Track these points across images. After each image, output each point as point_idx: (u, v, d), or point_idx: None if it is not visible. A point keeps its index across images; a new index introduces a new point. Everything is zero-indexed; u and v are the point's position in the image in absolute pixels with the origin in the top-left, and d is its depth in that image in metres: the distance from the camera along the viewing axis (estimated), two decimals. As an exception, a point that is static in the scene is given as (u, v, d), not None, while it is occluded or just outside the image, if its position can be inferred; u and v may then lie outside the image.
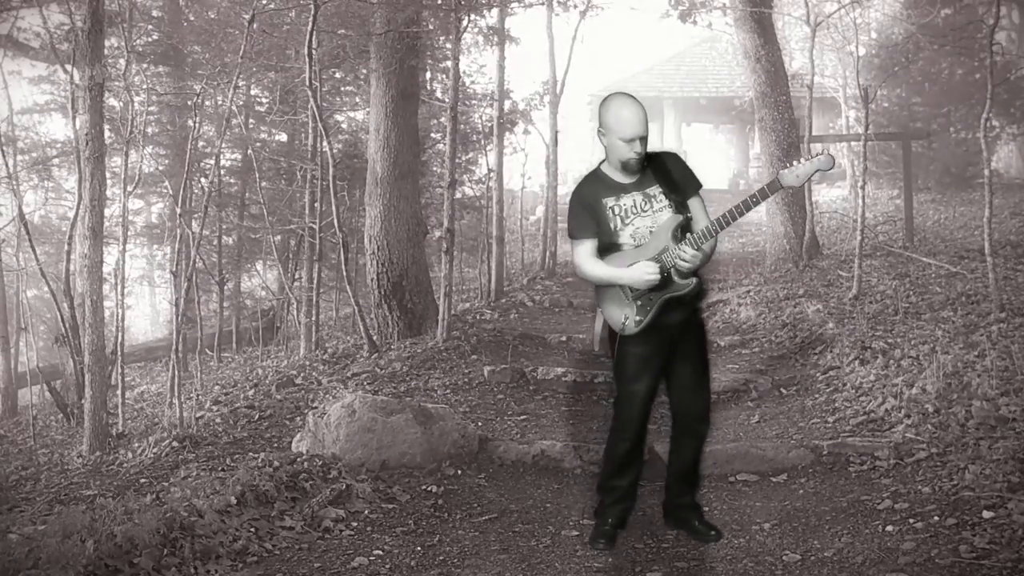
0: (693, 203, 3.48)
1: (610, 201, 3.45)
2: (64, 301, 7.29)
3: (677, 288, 3.42)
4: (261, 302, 13.10)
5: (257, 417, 5.96)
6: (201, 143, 10.43)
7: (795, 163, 3.30)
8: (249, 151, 10.84)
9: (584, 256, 3.50)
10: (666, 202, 3.44)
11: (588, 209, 3.47)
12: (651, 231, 3.43)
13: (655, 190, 3.45)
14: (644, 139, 3.36)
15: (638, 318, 3.45)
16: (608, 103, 3.40)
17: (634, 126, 3.32)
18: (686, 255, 3.34)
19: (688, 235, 3.38)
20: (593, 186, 3.50)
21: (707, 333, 3.71)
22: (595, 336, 3.68)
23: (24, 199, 9.52)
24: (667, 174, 3.47)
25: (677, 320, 3.47)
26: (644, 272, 3.36)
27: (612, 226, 3.45)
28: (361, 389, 6.12)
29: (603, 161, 3.53)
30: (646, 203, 3.45)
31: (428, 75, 11.72)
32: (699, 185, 3.52)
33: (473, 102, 12.07)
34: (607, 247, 3.48)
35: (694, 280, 3.44)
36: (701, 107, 21.58)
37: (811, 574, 3.25)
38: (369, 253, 8.19)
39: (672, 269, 3.39)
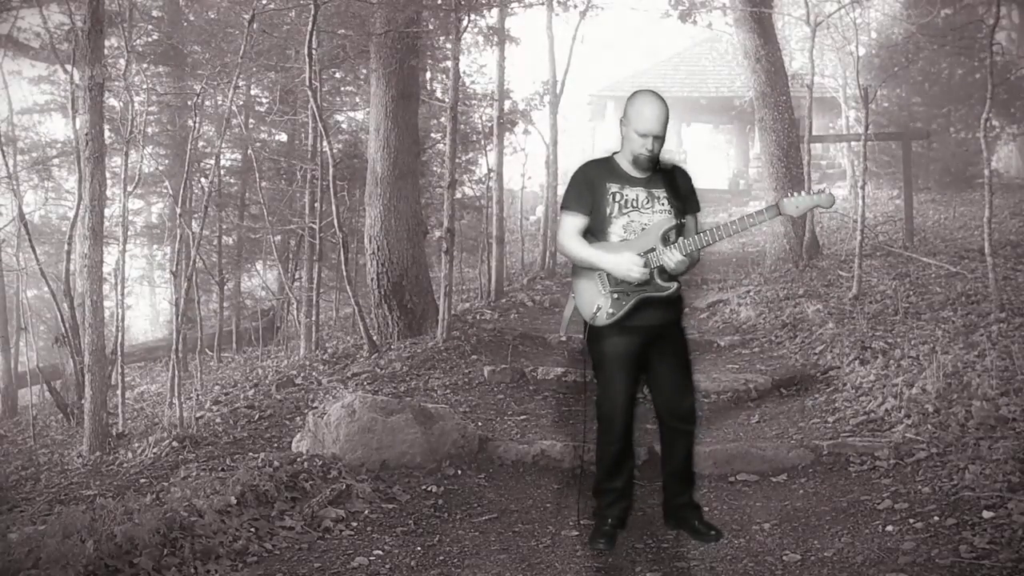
0: (687, 220, 3.53)
1: (614, 187, 3.46)
2: (64, 301, 7.29)
3: (655, 289, 3.44)
4: (261, 302, 13.11)
5: (257, 417, 5.96)
6: (201, 143, 10.44)
7: (797, 194, 3.41)
8: (249, 151, 10.85)
9: (570, 230, 3.48)
10: (667, 206, 3.46)
11: (589, 186, 3.47)
12: (643, 228, 3.44)
13: (660, 192, 3.48)
14: (658, 138, 3.38)
15: (611, 311, 3.44)
16: (635, 97, 3.43)
17: (650, 123, 3.35)
18: (673, 259, 3.36)
19: (679, 240, 3.40)
20: (601, 169, 3.51)
21: (687, 334, 3.69)
22: (563, 320, 3.69)
23: (24, 199, 9.54)
24: (675, 186, 3.50)
25: (652, 322, 3.48)
26: (630, 264, 3.36)
27: (608, 211, 3.45)
28: (361, 389, 6.12)
29: (618, 152, 3.54)
30: (648, 201, 3.46)
31: (428, 75, 11.71)
32: (698, 208, 3.57)
33: (473, 102, 12.05)
34: (594, 232, 3.48)
35: (675, 285, 3.46)
36: (701, 107, 21.58)
37: (811, 574, 3.25)
38: (369, 253, 8.19)
39: (655, 270, 3.41)
